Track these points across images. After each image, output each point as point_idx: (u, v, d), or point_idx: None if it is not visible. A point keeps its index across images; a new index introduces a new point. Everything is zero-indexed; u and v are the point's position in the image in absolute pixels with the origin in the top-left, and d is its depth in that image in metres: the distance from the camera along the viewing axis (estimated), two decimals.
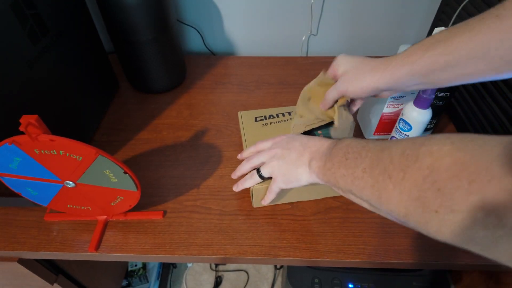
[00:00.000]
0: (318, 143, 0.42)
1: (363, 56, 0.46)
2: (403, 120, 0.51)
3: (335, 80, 0.49)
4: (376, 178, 0.30)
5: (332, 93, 0.48)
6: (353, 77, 0.45)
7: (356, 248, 0.48)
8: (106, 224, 0.52)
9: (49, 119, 0.40)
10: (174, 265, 1.24)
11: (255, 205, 0.53)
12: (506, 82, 0.53)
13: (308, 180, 0.42)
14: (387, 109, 0.57)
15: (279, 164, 0.45)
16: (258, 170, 0.48)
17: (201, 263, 1.24)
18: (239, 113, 0.61)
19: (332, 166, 0.37)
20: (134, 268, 1.05)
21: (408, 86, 0.41)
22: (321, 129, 0.55)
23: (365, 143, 0.35)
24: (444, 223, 0.24)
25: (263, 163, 0.47)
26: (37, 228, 0.51)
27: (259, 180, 0.48)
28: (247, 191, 0.54)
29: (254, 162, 0.49)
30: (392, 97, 0.55)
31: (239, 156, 0.54)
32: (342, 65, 0.47)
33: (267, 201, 0.49)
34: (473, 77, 0.37)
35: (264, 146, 0.50)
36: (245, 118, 0.60)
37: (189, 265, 1.25)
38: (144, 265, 1.06)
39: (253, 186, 0.49)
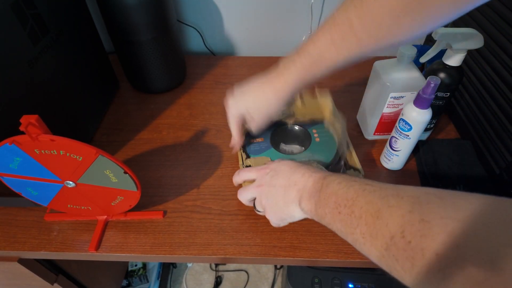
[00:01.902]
0: (302, 179, 0.40)
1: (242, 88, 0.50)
2: (403, 120, 0.51)
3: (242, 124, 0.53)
4: (380, 250, 0.29)
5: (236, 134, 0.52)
6: (259, 109, 0.48)
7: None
8: (106, 224, 0.52)
9: (49, 119, 0.40)
10: (174, 265, 1.24)
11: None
12: (506, 82, 0.53)
13: (302, 217, 0.41)
14: (387, 109, 0.57)
15: (269, 203, 0.43)
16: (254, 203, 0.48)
17: (201, 263, 1.24)
18: None
19: (325, 216, 0.35)
20: (134, 268, 1.05)
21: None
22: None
23: (354, 194, 0.33)
24: None
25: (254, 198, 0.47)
26: (37, 228, 0.51)
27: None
28: None
29: (246, 197, 0.48)
30: (392, 97, 0.55)
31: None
32: (237, 108, 0.50)
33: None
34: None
35: (247, 177, 0.48)
36: None
37: (189, 265, 1.25)
38: (144, 265, 1.06)
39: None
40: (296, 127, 0.58)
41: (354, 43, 0.38)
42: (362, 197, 0.32)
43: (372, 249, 0.30)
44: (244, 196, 0.47)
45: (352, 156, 0.57)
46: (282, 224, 0.45)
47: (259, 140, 0.55)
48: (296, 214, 0.41)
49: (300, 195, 0.39)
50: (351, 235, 0.32)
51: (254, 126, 0.51)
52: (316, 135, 0.56)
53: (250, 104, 0.49)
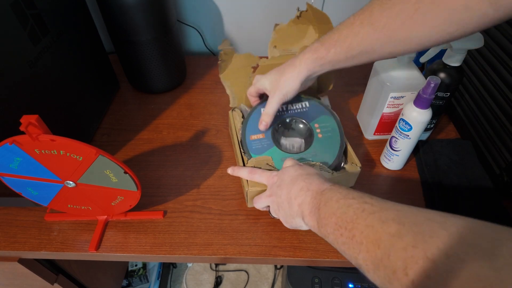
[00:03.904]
0: (300, 194, 0.39)
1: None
2: (403, 120, 0.51)
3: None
4: (383, 282, 0.27)
5: (272, 105, 0.52)
6: (280, 80, 0.50)
7: None
8: (106, 224, 0.52)
9: (50, 119, 0.40)
10: (174, 265, 1.24)
11: (249, 205, 0.53)
12: (506, 82, 0.53)
13: (306, 225, 0.41)
14: (387, 109, 0.57)
15: (280, 213, 0.44)
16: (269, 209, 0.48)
17: (201, 263, 1.24)
18: (230, 112, 0.61)
19: (328, 236, 0.35)
20: (134, 268, 1.05)
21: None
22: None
23: (353, 215, 0.32)
24: None
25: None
26: (37, 228, 0.51)
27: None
28: None
29: (260, 206, 0.48)
30: (392, 97, 0.55)
31: (230, 171, 0.52)
32: (263, 82, 0.53)
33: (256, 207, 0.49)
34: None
35: (259, 180, 0.49)
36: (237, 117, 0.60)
37: (189, 265, 1.25)
38: (144, 265, 1.06)
39: (248, 188, 0.49)
40: (300, 125, 0.57)
41: (370, 32, 0.41)
42: (361, 219, 0.31)
43: (376, 278, 0.28)
44: (259, 205, 0.48)
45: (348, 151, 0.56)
46: (292, 228, 0.45)
47: (260, 136, 0.54)
48: (303, 226, 0.41)
49: (301, 210, 0.39)
50: (355, 259, 0.31)
51: (271, 103, 0.52)
52: (318, 130, 0.55)
53: (270, 81, 0.52)
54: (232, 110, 0.61)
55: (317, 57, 0.47)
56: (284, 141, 0.56)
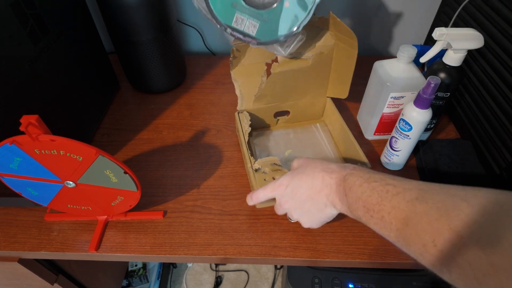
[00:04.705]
0: (324, 184, 0.39)
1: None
2: (403, 120, 0.51)
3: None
4: (416, 256, 0.30)
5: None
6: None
7: (356, 248, 0.48)
8: (106, 224, 0.52)
9: (50, 119, 0.40)
10: (174, 265, 1.24)
11: (258, 206, 0.53)
12: (506, 82, 0.53)
13: (339, 211, 0.40)
14: (387, 109, 0.57)
15: (302, 216, 0.43)
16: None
17: (201, 263, 1.24)
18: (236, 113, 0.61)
19: (361, 218, 0.36)
20: (134, 268, 1.05)
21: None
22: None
23: (378, 198, 0.33)
24: None
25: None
26: (37, 228, 0.51)
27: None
28: (247, 190, 0.54)
29: (280, 213, 0.46)
30: (392, 97, 0.55)
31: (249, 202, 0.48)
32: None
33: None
34: None
35: (265, 197, 0.45)
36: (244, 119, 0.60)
37: (189, 265, 1.25)
38: (144, 265, 1.06)
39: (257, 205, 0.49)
40: None
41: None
42: (386, 201, 0.32)
43: (411, 253, 0.31)
44: (279, 213, 0.47)
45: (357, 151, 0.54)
46: (323, 223, 0.45)
47: None
48: (334, 212, 0.42)
49: (331, 199, 0.39)
50: (388, 237, 0.33)
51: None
52: None
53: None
54: (239, 112, 0.61)
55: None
56: None
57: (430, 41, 0.79)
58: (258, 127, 0.66)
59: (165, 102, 0.74)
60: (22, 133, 0.35)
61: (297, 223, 0.47)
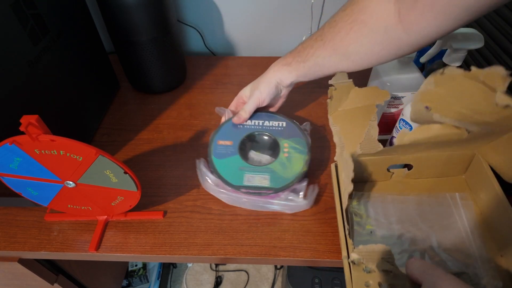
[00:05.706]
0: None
1: None
2: (403, 120, 0.51)
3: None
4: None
5: (250, 104, 0.56)
6: (259, 84, 0.55)
7: None
8: (106, 224, 0.52)
9: (50, 119, 0.40)
10: (174, 265, 1.24)
11: None
12: None
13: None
14: (387, 109, 0.57)
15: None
16: None
17: (201, 263, 1.24)
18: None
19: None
20: (134, 268, 1.05)
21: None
22: None
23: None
24: None
25: None
26: (37, 228, 0.51)
27: None
28: None
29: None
30: (392, 97, 0.55)
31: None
32: (244, 91, 0.60)
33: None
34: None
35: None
36: None
37: (189, 265, 1.25)
38: (144, 265, 1.06)
39: None
40: (266, 137, 0.57)
41: (320, 45, 0.48)
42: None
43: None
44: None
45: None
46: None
47: (227, 142, 0.55)
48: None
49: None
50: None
51: (249, 103, 0.57)
52: (286, 149, 0.54)
53: (250, 89, 0.59)
54: (336, 164, 0.48)
55: (284, 64, 0.52)
56: (253, 154, 0.57)
57: None
58: (359, 180, 0.49)
59: (165, 102, 0.74)
60: (22, 133, 0.35)
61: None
